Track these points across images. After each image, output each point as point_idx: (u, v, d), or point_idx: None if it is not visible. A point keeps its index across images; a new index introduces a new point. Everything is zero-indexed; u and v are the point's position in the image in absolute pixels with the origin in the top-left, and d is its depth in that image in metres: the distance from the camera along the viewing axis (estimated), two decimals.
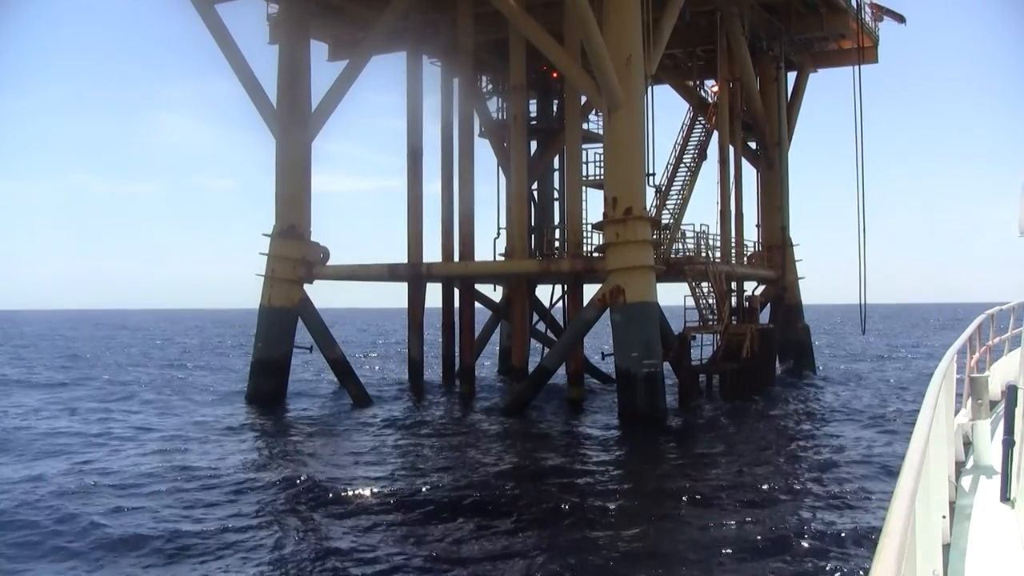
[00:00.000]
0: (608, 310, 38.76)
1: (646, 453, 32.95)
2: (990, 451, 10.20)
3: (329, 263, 45.34)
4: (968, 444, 10.62)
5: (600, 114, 43.15)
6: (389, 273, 46.14)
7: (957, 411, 11.05)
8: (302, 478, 26.60)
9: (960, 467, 10.01)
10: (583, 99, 46.74)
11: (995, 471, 9.60)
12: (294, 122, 44.34)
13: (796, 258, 58.47)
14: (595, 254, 41.78)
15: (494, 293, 54.32)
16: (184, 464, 29.39)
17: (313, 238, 45.25)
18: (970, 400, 10.75)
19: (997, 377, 13.29)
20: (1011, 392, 9.27)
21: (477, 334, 51.62)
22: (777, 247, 56.86)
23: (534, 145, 54.85)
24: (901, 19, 60.28)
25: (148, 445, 33.64)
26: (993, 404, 11.52)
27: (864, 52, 56.81)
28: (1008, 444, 8.86)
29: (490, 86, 58.12)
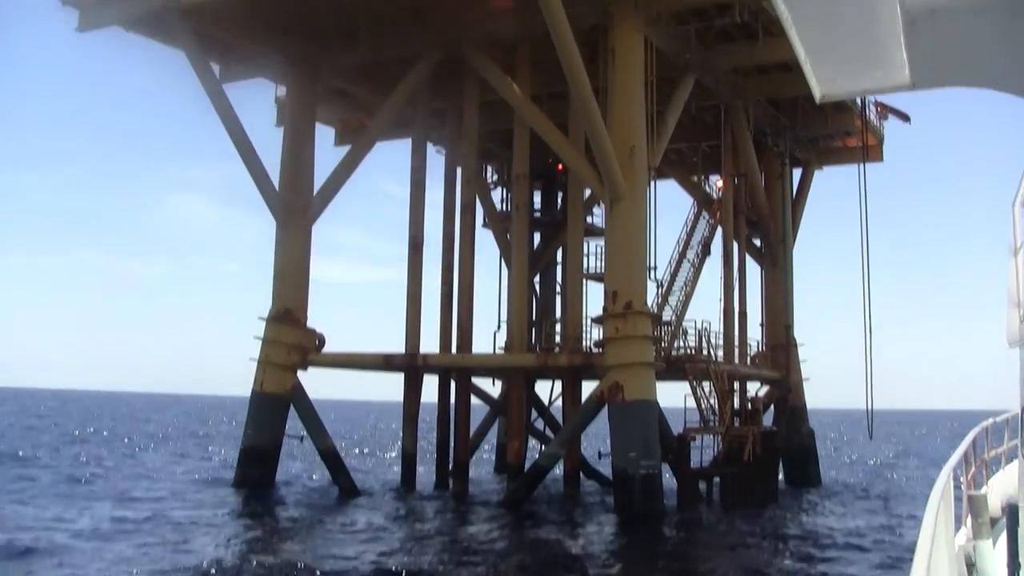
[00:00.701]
0: (606, 407, 37.83)
1: (638, 560, 31.65)
2: (995, 574, 9.63)
3: (324, 350, 44.55)
4: (971, 566, 9.84)
5: (603, 207, 42.67)
6: (384, 363, 45.27)
7: (957, 529, 10.52)
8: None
9: None
10: (587, 192, 46.39)
11: None
12: (295, 205, 43.90)
13: (801, 358, 57.44)
14: (594, 349, 40.96)
15: (493, 388, 53.32)
16: (155, 555, 28.34)
17: (309, 324, 44.54)
18: (969, 519, 10.14)
19: (996, 492, 12.87)
20: (1012, 512, 9.05)
21: (474, 429, 50.66)
22: (781, 347, 55.86)
23: (538, 237, 54.55)
24: (906, 118, 60.00)
25: (119, 536, 32.38)
26: (994, 521, 10.99)
27: (869, 150, 56.31)
28: (1014, 569, 8.60)
29: (495, 176, 57.93)
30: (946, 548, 7.57)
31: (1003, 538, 9.65)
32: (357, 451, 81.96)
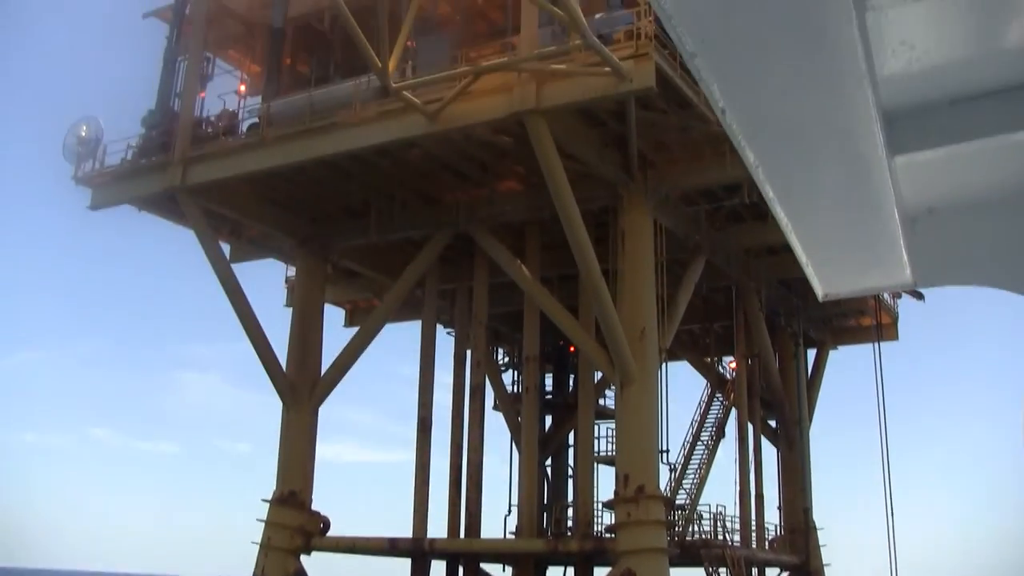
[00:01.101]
0: None
1: None
2: None
3: (329, 534, 43.56)
4: None
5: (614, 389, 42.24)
6: (390, 547, 44.09)
7: None
8: None
9: None
10: (599, 374, 46.04)
11: None
12: (302, 387, 43.60)
13: (821, 542, 55.89)
14: (606, 534, 39.91)
15: (503, 574, 51.79)
16: None
17: (315, 506, 43.67)
18: None
19: None
20: None
21: None
22: (800, 530, 54.43)
23: (549, 420, 54.01)
24: (920, 296, 59.76)
25: None
26: None
27: (884, 329, 56.12)
28: None
29: (506, 358, 57.77)
30: None
31: None
32: None
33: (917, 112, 3.69)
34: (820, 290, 4.37)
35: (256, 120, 40.14)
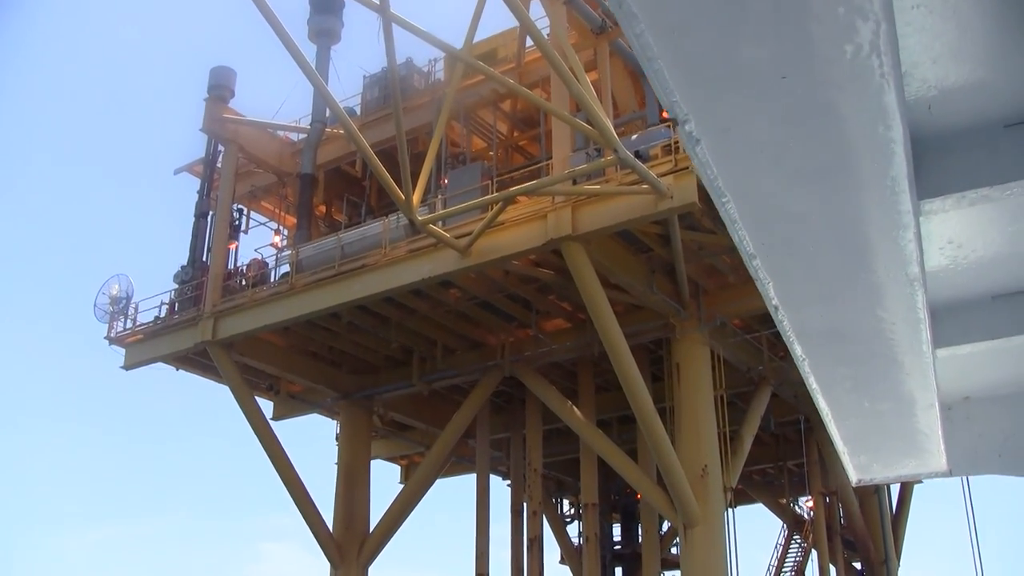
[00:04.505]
0: None
1: None
2: None
3: None
4: None
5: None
6: None
7: None
8: None
9: None
10: (667, 524, 43.43)
11: None
12: (349, 546, 41.25)
13: None
14: None
15: None
16: None
17: None
18: None
19: None
20: None
21: None
22: None
23: (620, 572, 51.32)
24: None
25: None
26: None
27: None
28: None
29: (571, 509, 55.28)
30: None
31: None
32: None
33: (960, 307, 3.82)
34: (854, 477, 4.48)
35: (288, 269, 38.94)
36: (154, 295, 41.50)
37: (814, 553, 49.32)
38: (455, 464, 47.54)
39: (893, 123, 2.58)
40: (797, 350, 3.61)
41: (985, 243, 3.56)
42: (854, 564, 53.71)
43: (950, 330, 3.80)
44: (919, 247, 2.98)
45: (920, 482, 55.08)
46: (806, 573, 49.24)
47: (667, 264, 35.48)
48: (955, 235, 3.47)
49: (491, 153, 40.86)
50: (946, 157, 3.25)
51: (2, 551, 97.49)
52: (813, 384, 3.88)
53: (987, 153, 3.25)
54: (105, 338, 40.70)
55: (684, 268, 35.13)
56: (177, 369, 41.48)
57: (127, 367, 40.73)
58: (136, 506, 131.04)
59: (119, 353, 41.00)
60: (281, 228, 45.26)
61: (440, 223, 32.34)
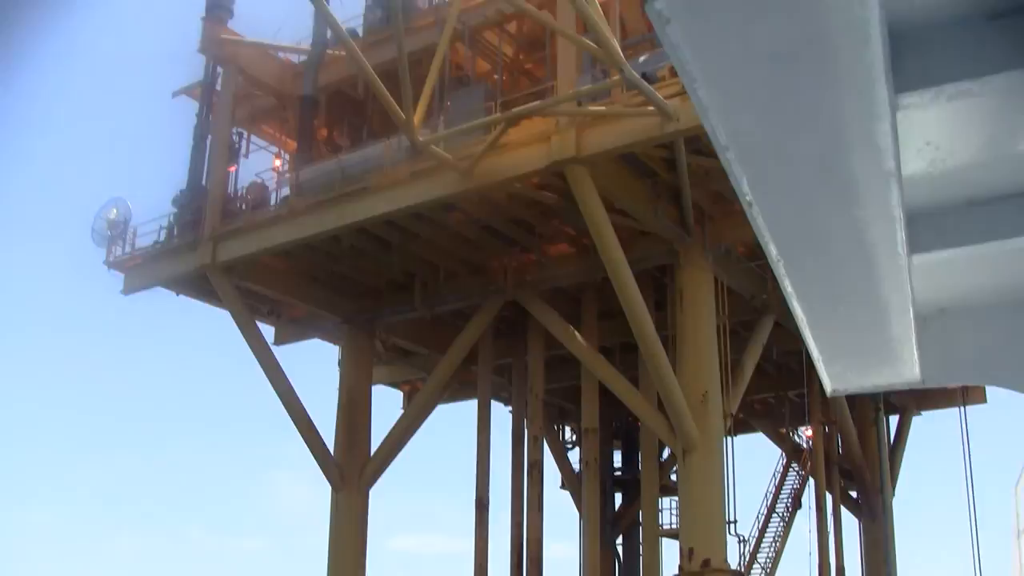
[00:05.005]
0: None
1: None
2: None
3: None
4: None
5: None
6: None
7: None
8: None
9: None
10: (668, 451, 43.50)
11: None
12: (351, 469, 41.41)
13: None
14: None
15: None
16: None
17: None
18: None
19: None
20: None
21: None
22: None
23: (620, 498, 51.50)
24: None
25: None
26: None
27: (970, 393, 52.66)
28: None
29: (573, 436, 55.33)
30: None
31: None
32: None
33: (936, 212, 3.82)
34: (829, 386, 4.39)
35: (288, 192, 38.60)
36: (152, 219, 41.19)
37: (811, 482, 49.40)
38: (457, 390, 47.42)
39: (869, 2, 2.50)
40: (772, 251, 3.57)
41: (964, 145, 3.51)
42: (850, 493, 53.95)
43: (926, 235, 3.78)
44: (895, 142, 2.94)
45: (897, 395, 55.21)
46: (802, 501, 49.37)
47: (672, 189, 35.15)
48: (933, 136, 3.42)
49: (496, 76, 40.25)
50: (926, 49, 3.20)
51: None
52: (788, 288, 3.82)
53: (969, 46, 3.18)
54: (104, 263, 40.46)
55: (690, 193, 34.82)
56: (177, 294, 41.28)
57: (126, 292, 40.49)
58: (139, 437, 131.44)
59: (118, 279, 40.73)
60: (282, 152, 44.78)
61: (442, 144, 31.95)
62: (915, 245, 3.67)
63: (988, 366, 4.40)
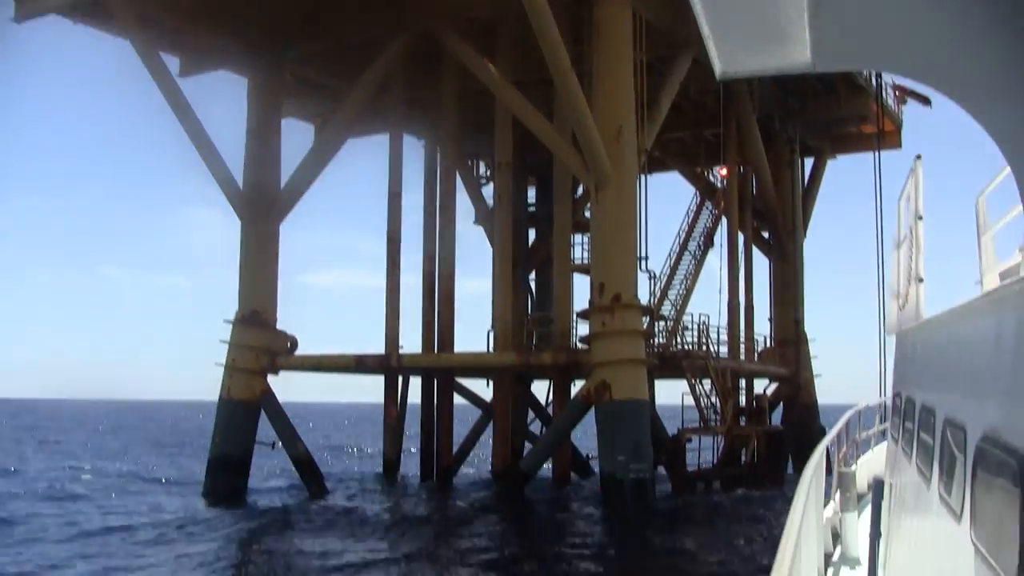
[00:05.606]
0: (593, 408, 34.83)
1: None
2: (857, 543, 11.01)
3: (297, 353, 41.75)
4: (836, 536, 11.32)
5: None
6: (356, 364, 42.16)
7: (827, 504, 11.81)
8: None
9: (829, 559, 10.77)
10: (582, 188, 43.55)
11: (861, 563, 10.45)
12: (261, 202, 41.07)
13: (812, 354, 54.23)
14: (581, 345, 37.87)
15: (487, 390, 50.04)
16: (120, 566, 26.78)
17: (280, 327, 41.76)
18: (838, 493, 11.61)
19: (864, 471, 14.15)
20: (877, 486, 10.27)
21: (467, 434, 48.30)
22: (791, 342, 52.75)
23: (533, 233, 51.80)
24: (927, 101, 56.25)
25: (89, 546, 30.35)
26: (860, 497, 12.17)
27: (886, 137, 52.91)
28: (875, 537, 9.72)
29: (488, 172, 55.05)
30: (815, 518, 8.82)
31: (868, 511, 10.55)
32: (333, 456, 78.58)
33: None
34: (719, 68, 4.20)
35: None
36: None
37: (724, 221, 49.96)
38: (370, 124, 46.61)
39: None
40: None
41: None
42: (762, 233, 54.76)
43: None
44: None
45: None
46: (714, 240, 50.08)
47: None
48: None
49: None
50: None
51: None
52: None
53: None
54: None
55: None
56: (74, 23, 39.46)
57: (19, 19, 38.37)
58: (43, 176, 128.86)
59: (8, 4, 38.27)
60: None
61: None
62: None
63: (879, 50, 4.23)
